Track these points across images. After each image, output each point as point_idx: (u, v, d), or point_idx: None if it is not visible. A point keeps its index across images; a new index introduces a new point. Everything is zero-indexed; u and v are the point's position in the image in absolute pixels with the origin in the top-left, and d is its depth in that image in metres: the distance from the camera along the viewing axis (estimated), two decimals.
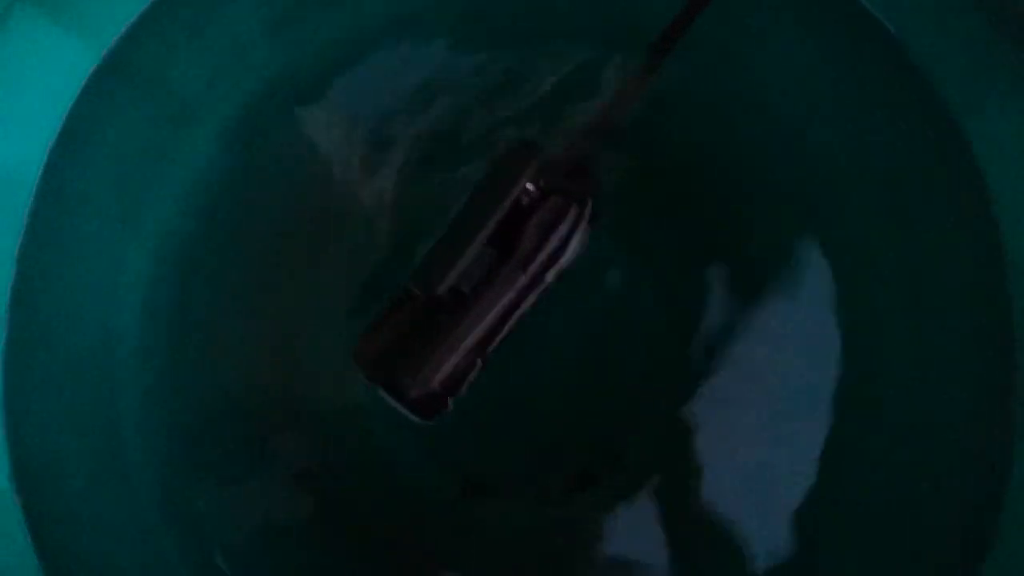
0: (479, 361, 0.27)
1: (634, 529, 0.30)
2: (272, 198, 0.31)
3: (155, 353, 0.30)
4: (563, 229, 0.27)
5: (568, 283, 0.28)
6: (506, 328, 0.27)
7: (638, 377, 0.31)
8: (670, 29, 0.29)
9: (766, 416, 0.30)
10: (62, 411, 0.29)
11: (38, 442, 0.28)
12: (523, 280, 0.26)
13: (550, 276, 0.27)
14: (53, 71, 0.28)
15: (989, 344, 0.29)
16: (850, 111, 0.31)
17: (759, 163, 0.32)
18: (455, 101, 0.32)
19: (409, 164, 0.32)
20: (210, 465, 0.30)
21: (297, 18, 0.31)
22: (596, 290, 0.31)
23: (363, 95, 0.32)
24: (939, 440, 0.29)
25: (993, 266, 0.29)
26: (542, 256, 0.26)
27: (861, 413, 0.29)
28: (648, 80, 0.29)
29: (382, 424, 0.30)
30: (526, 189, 0.26)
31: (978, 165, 0.29)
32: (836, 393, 0.29)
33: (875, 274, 0.30)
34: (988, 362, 0.29)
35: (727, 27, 0.31)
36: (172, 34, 0.30)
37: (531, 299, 0.27)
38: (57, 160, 0.29)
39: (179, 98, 0.31)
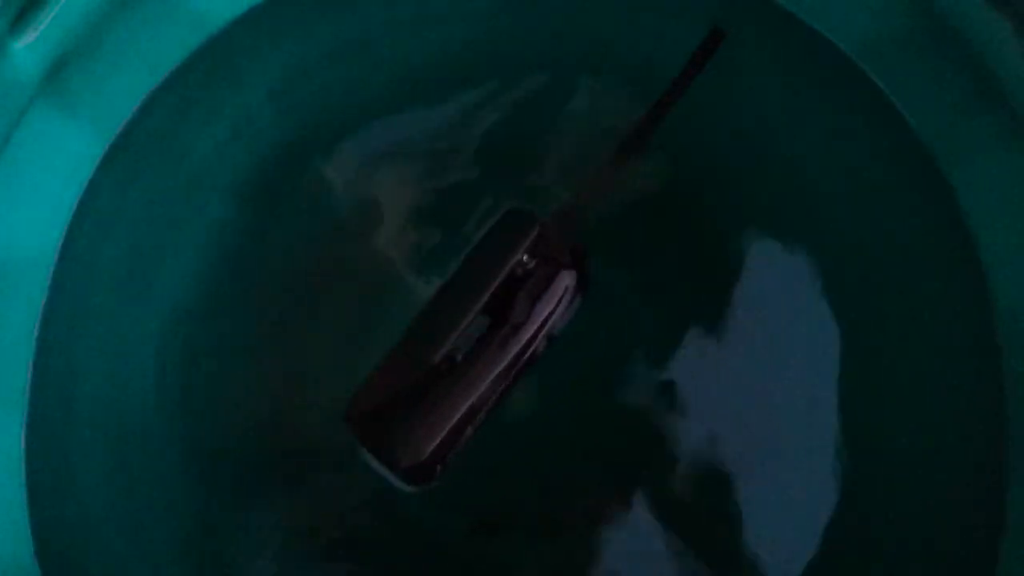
0: (469, 429, 0.27)
1: (644, 560, 0.30)
2: (283, 257, 0.32)
3: (170, 413, 0.31)
4: (555, 298, 0.27)
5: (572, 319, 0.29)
6: (496, 396, 0.27)
7: (646, 409, 0.31)
8: (640, 127, 0.29)
9: (768, 453, 0.31)
10: (83, 480, 0.30)
11: (62, 515, 0.29)
12: (515, 349, 0.27)
13: (540, 344, 0.27)
14: (67, 157, 0.29)
15: (980, 389, 0.30)
16: (840, 159, 0.32)
17: (751, 202, 0.33)
18: (464, 157, 0.33)
19: (421, 219, 0.32)
20: (224, 509, 0.30)
21: (301, 83, 0.32)
22: (602, 322, 0.31)
23: (372, 152, 0.33)
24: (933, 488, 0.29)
25: (982, 312, 0.30)
26: (534, 325, 0.27)
27: (858, 449, 0.30)
28: (622, 171, 0.30)
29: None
30: (520, 260, 0.27)
31: (963, 211, 0.30)
32: (834, 434, 0.30)
33: (869, 316, 0.31)
34: (979, 407, 0.30)
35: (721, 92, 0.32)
36: (179, 110, 0.31)
37: (521, 367, 0.27)
38: (73, 238, 0.30)
39: (187, 168, 0.31)
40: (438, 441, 0.26)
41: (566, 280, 0.27)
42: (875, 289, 0.31)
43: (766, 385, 0.31)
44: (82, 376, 0.30)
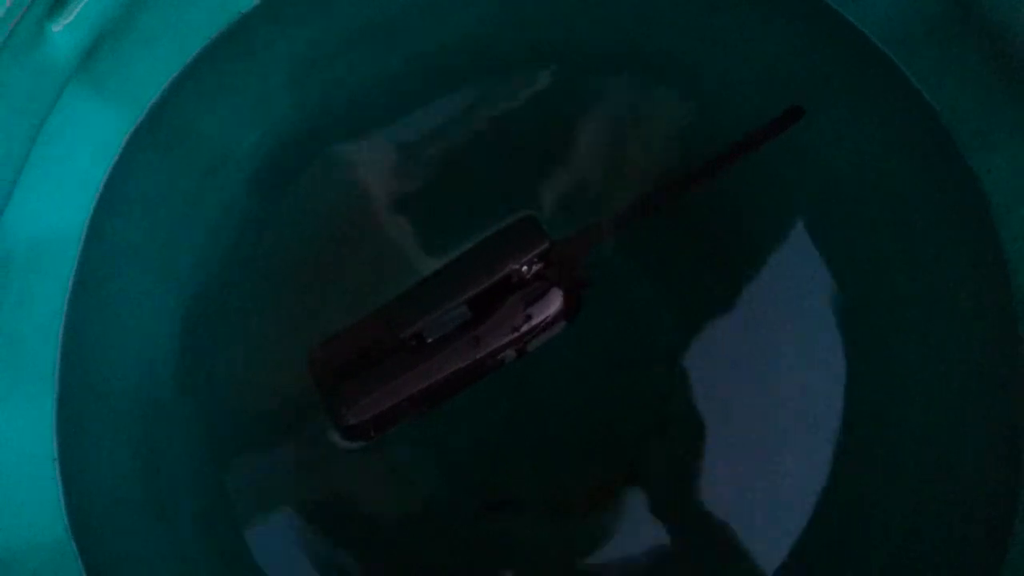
0: (415, 410, 0.28)
1: (647, 538, 0.30)
2: (298, 239, 0.32)
3: (193, 390, 0.31)
4: (539, 315, 0.28)
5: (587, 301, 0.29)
6: (450, 389, 0.28)
7: (652, 392, 0.31)
8: (685, 183, 0.29)
9: (772, 439, 0.31)
10: (113, 455, 0.30)
11: (93, 489, 0.29)
12: (484, 350, 0.27)
13: (509, 354, 0.28)
14: (96, 138, 0.29)
15: (999, 382, 0.30)
16: (863, 145, 0.32)
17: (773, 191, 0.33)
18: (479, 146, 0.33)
19: (433, 206, 0.32)
20: (241, 484, 0.31)
21: (321, 68, 0.32)
22: (612, 307, 0.31)
23: (391, 138, 0.33)
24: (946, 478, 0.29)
25: (1003, 304, 0.30)
26: (509, 334, 0.27)
27: (866, 441, 0.30)
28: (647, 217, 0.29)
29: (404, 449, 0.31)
30: (519, 269, 0.27)
31: (988, 200, 0.30)
32: (842, 425, 0.30)
33: (886, 306, 0.31)
34: (997, 399, 0.30)
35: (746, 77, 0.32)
36: (203, 92, 0.31)
37: (484, 369, 0.28)
38: (100, 218, 0.30)
39: (209, 149, 0.32)
40: (381, 411, 0.27)
41: (555, 303, 0.28)
42: (894, 272, 0.31)
43: (771, 371, 0.31)
44: (109, 352, 0.31)
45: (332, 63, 0.32)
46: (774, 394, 0.31)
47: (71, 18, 0.24)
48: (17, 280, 0.28)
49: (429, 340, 0.27)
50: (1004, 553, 0.28)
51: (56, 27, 0.24)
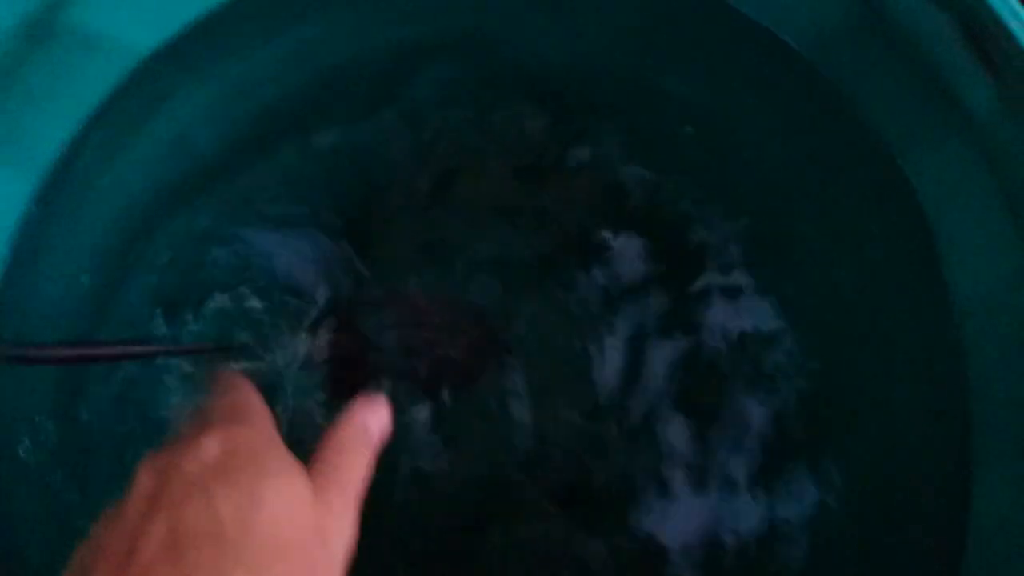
0: None
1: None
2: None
3: None
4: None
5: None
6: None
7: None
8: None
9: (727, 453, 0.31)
10: None
11: None
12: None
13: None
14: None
15: (941, 380, 0.30)
16: (798, 148, 0.32)
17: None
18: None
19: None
20: None
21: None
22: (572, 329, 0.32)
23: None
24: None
25: (939, 295, 0.30)
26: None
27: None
28: None
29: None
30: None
31: (919, 198, 0.30)
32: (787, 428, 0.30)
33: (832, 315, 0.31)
34: (941, 397, 0.30)
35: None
36: (106, 148, 0.30)
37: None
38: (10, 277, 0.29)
39: (118, 202, 0.31)
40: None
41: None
42: (833, 272, 0.31)
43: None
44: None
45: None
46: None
47: None
48: None
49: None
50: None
51: None
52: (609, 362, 0.32)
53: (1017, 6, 0.21)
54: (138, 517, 0.17)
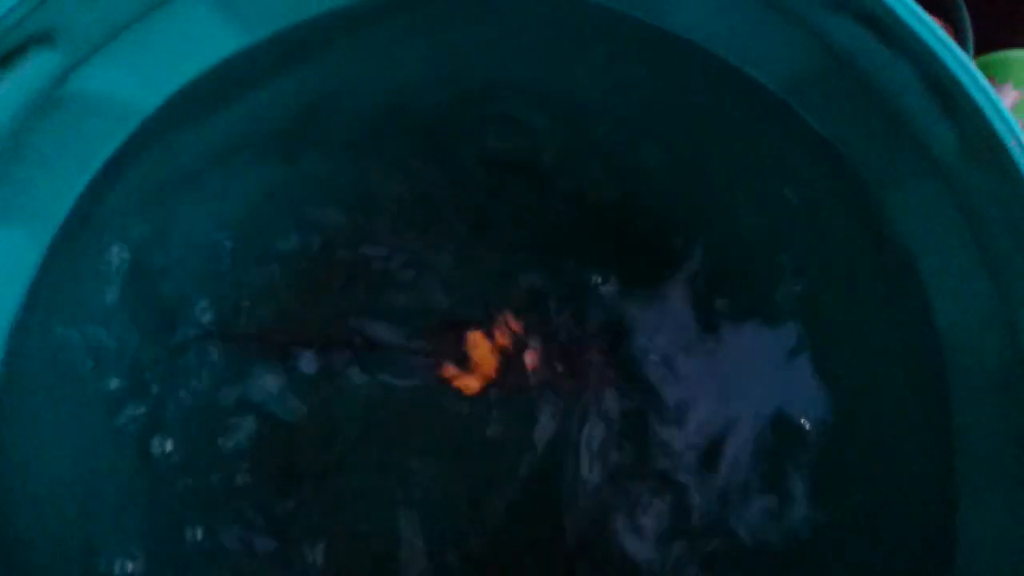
0: None
1: None
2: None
3: None
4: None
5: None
6: None
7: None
8: None
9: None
10: None
11: None
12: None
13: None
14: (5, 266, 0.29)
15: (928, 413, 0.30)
16: (778, 187, 0.33)
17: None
18: None
19: None
20: None
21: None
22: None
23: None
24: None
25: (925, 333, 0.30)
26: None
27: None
28: None
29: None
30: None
31: (898, 236, 0.30)
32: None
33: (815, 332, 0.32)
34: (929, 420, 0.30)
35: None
36: (114, 209, 0.31)
37: None
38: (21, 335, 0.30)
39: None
40: None
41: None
42: (820, 309, 0.32)
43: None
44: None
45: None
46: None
47: None
48: None
49: None
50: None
51: None
52: None
53: (968, 61, 0.21)
54: None
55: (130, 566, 0.30)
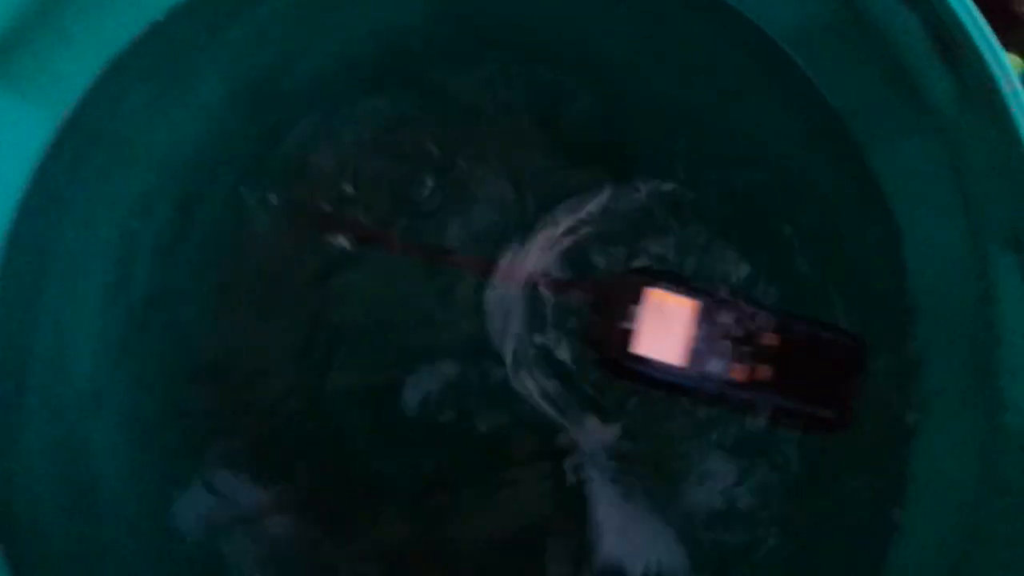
0: None
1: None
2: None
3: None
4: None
5: None
6: None
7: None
8: None
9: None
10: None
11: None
12: None
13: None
14: (17, 140, 0.29)
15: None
16: (769, 139, 0.34)
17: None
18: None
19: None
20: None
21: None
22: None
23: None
24: None
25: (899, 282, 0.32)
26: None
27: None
28: None
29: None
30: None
31: (885, 193, 0.32)
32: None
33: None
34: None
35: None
36: (127, 93, 0.31)
37: None
38: (25, 217, 0.30)
39: (135, 150, 0.32)
40: None
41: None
42: (805, 260, 0.33)
43: None
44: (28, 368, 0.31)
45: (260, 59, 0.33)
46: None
47: None
48: None
49: None
50: None
51: None
52: None
53: (975, 12, 0.23)
54: None
55: None
